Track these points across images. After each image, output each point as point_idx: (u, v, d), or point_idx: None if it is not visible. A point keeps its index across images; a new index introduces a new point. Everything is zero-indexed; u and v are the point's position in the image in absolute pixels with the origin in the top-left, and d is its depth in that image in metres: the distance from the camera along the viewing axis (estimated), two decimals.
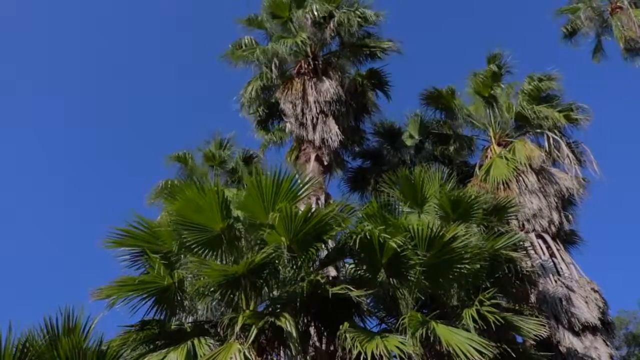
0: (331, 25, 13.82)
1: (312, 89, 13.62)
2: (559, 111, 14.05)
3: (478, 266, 7.60)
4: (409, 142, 16.72)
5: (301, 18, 14.00)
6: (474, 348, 6.35)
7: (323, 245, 7.53)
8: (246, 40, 14.87)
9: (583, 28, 19.88)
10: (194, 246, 7.22)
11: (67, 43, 35.58)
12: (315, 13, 13.81)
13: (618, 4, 19.24)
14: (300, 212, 6.79)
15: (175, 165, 15.96)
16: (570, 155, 13.53)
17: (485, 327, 7.09)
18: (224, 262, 7.19)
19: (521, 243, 9.50)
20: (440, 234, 7.29)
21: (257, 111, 15.44)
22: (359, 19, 14.11)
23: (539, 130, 14.13)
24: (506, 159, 13.22)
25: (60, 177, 36.90)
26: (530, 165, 12.86)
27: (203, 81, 42.05)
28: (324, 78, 13.88)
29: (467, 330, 6.84)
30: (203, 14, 37.85)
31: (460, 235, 7.36)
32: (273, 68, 13.77)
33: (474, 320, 6.98)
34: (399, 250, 7.11)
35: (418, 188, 9.00)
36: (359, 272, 7.91)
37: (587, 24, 19.77)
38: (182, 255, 7.21)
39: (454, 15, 41.05)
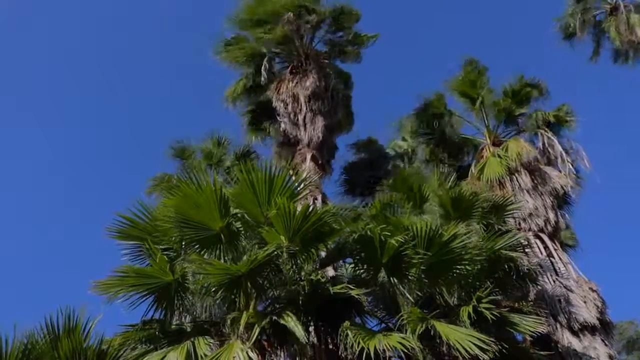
0: (311, 23, 14.12)
1: (301, 87, 13.71)
2: (549, 111, 14.34)
3: (478, 265, 7.63)
4: (404, 146, 16.79)
5: (282, 15, 14.13)
6: (474, 344, 6.35)
7: (323, 245, 7.50)
8: (232, 40, 14.98)
9: (579, 31, 20.06)
10: (193, 243, 7.16)
11: (66, 42, 35.67)
12: (294, 11, 14.02)
13: (615, 6, 19.43)
14: (298, 210, 6.76)
15: (174, 161, 15.92)
16: (563, 152, 13.74)
17: (484, 325, 7.09)
18: (223, 260, 7.12)
19: (521, 242, 9.51)
20: (440, 232, 7.32)
21: (248, 111, 15.47)
22: (336, 20, 14.60)
23: (532, 131, 14.37)
24: (499, 157, 13.33)
25: (60, 177, 36.87)
26: (522, 163, 12.93)
27: (203, 80, 41.96)
28: (312, 76, 13.96)
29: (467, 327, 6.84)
30: (202, 13, 37.75)
31: (460, 234, 7.39)
32: (262, 70, 13.88)
33: (472, 317, 6.97)
34: (399, 248, 7.12)
35: (417, 188, 9.04)
36: (359, 271, 7.91)
37: (582, 29, 19.98)
38: (182, 252, 7.15)
39: (450, 12, 41.30)
